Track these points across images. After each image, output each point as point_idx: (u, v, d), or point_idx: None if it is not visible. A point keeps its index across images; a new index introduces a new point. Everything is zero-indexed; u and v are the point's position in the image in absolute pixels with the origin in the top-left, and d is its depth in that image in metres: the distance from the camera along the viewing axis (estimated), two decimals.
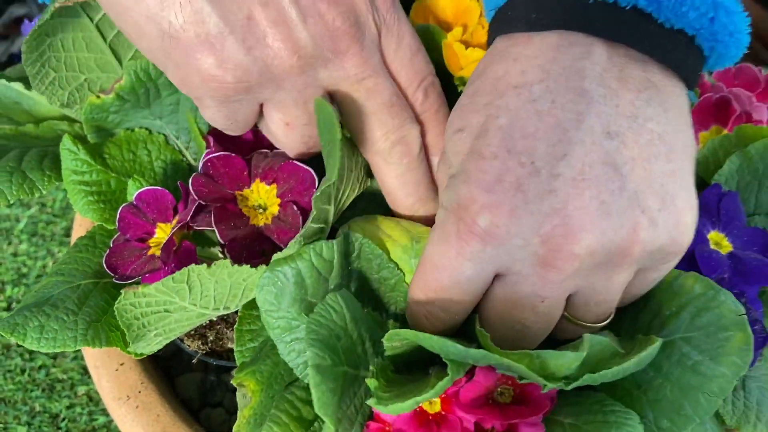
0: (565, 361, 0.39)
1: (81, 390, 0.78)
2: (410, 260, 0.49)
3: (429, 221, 0.51)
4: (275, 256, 0.45)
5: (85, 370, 0.79)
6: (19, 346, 0.81)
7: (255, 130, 0.53)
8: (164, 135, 0.53)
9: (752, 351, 0.38)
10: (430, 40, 0.55)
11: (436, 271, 0.42)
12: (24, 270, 0.86)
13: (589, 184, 0.37)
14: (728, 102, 0.58)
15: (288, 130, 0.47)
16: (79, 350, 0.80)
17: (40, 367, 0.79)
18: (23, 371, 0.79)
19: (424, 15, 0.60)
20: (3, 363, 0.79)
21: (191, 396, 0.57)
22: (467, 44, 0.56)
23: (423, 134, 0.50)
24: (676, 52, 0.40)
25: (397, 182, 0.50)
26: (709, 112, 0.59)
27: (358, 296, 0.47)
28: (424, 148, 0.50)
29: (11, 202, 0.48)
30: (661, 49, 0.40)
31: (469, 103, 0.42)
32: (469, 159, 0.40)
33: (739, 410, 0.49)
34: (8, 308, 0.83)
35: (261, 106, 0.46)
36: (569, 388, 0.40)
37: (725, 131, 0.58)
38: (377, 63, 0.46)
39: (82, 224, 0.61)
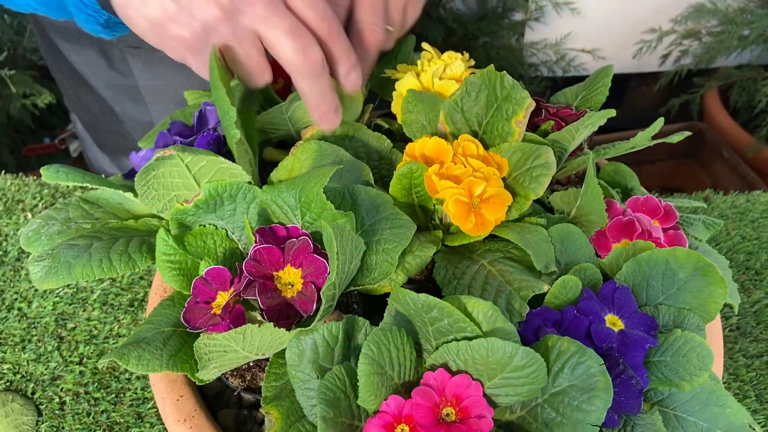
0: (478, 303, 0.58)
1: (134, 431, 0.96)
2: None
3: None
4: (299, 330, 0.64)
5: (138, 416, 0.98)
6: (86, 393, 1.00)
7: (286, 227, 0.75)
8: (225, 230, 0.75)
9: (612, 389, 0.57)
10: (415, 172, 0.77)
11: None
12: (95, 332, 1.07)
13: None
14: (633, 223, 0.79)
15: (235, 64, 0.72)
16: (135, 399, 1.00)
17: (102, 412, 0.98)
18: (89, 414, 0.98)
19: (415, 153, 0.83)
20: (73, 407, 0.99)
21: (229, 425, 0.76)
22: (442, 176, 0.78)
23: (327, 53, 0.73)
24: None
25: (309, 91, 0.73)
26: (620, 230, 0.79)
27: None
28: (329, 63, 0.74)
29: (120, 274, 0.70)
30: None
31: None
32: None
33: None
34: (80, 362, 1.03)
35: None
36: None
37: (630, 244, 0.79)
38: (280, 4, 0.69)
39: (157, 292, 0.82)
